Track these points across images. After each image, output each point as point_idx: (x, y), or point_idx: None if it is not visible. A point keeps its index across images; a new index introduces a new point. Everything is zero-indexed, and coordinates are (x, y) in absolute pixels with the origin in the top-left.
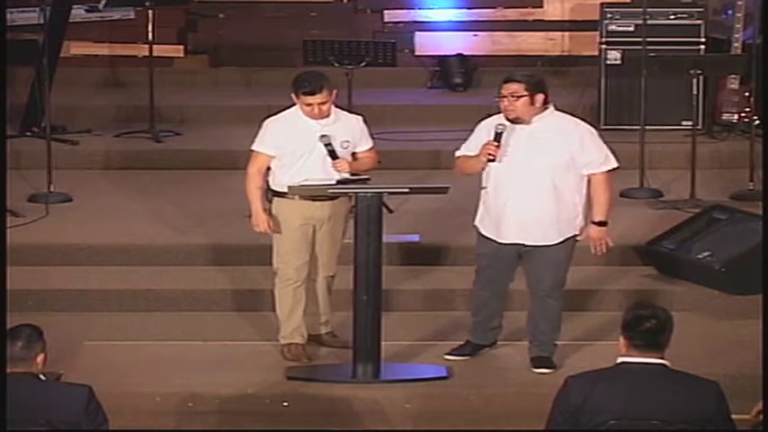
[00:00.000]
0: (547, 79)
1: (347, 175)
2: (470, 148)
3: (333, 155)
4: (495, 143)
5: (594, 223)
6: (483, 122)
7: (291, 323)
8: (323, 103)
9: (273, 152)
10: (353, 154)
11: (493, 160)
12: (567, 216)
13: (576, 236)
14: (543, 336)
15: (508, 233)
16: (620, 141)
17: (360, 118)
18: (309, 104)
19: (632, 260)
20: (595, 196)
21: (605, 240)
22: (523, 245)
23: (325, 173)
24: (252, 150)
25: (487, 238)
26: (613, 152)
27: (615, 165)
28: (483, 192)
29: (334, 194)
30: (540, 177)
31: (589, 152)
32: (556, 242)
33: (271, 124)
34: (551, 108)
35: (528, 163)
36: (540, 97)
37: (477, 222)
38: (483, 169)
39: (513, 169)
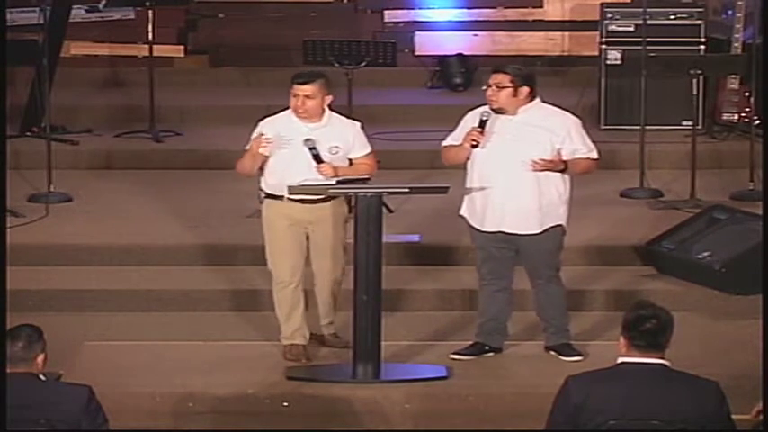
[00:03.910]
0: (546, 79)
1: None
2: (456, 137)
3: (317, 159)
4: (479, 129)
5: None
6: (470, 113)
7: (291, 324)
8: (308, 97)
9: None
10: (350, 160)
11: (476, 146)
12: (550, 206)
13: (560, 225)
14: (556, 321)
15: (491, 222)
16: (620, 141)
17: (357, 124)
18: (296, 95)
19: (632, 260)
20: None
21: (549, 164)
22: (504, 233)
23: (310, 176)
24: (244, 150)
25: (474, 228)
26: (613, 152)
27: (597, 156)
28: (467, 181)
29: (324, 197)
30: (523, 167)
31: (574, 142)
32: (537, 231)
33: (262, 123)
34: (537, 100)
35: (512, 153)
36: (524, 90)
37: (463, 213)
38: (468, 158)
39: (496, 159)
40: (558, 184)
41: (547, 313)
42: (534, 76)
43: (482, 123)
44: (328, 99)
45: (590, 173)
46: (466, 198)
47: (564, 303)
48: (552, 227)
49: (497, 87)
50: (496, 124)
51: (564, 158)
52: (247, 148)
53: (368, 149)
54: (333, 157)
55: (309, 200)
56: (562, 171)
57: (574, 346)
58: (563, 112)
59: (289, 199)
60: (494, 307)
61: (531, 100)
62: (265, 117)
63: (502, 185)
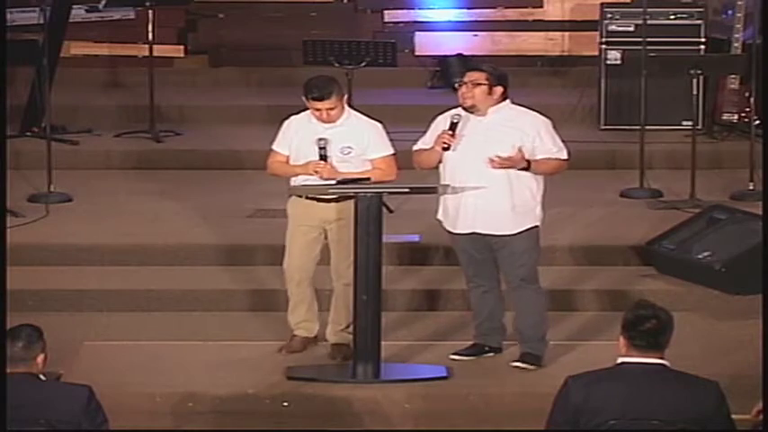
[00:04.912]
0: (546, 79)
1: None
2: (427, 141)
3: (322, 157)
4: (450, 132)
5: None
6: (440, 117)
7: (295, 317)
8: (331, 109)
9: (286, 151)
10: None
11: (447, 149)
12: (524, 206)
13: (537, 226)
14: (528, 330)
15: (464, 223)
16: (620, 141)
17: (377, 125)
18: (318, 109)
19: (632, 260)
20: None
21: (507, 162)
22: (479, 233)
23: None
24: (270, 150)
25: (450, 232)
26: (613, 152)
27: (567, 157)
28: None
29: (340, 196)
30: (495, 168)
31: (544, 142)
32: (513, 232)
33: (285, 124)
34: (508, 101)
35: (483, 154)
36: (498, 89)
37: (440, 216)
38: (440, 161)
39: (468, 160)
40: (530, 185)
41: (519, 321)
42: (507, 76)
43: (453, 126)
44: (345, 98)
45: (559, 173)
46: (441, 201)
47: (540, 314)
48: (530, 228)
49: (472, 84)
50: (467, 126)
51: (527, 157)
52: (272, 147)
53: (386, 152)
54: (344, 158)
55: (326, 198)
56: (525, 169)
57: (536, 355)
58: (533, 112)
59: (308, 197)
60: (486, 308)
61: (503, 101)
62: (290, 116)
63: (474, 186)
